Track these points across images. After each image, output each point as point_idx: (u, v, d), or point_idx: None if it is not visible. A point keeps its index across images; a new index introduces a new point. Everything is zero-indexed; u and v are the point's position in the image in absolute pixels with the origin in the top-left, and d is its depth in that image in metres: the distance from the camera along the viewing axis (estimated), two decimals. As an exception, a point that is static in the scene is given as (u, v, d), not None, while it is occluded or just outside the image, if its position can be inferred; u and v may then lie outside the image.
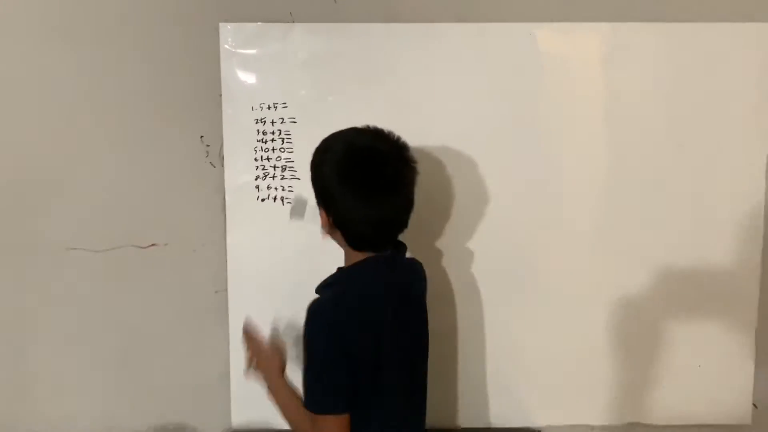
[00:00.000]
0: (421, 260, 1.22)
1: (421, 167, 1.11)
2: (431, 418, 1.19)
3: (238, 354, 1.42)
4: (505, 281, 1.44)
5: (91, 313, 1.47)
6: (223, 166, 1.42)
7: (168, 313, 1.47)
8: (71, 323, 1.47)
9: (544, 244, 1.44)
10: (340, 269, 1.12)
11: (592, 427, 1.50)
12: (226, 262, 1.44)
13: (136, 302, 1.47)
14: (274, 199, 1.42)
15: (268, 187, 1.41)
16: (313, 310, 1.05)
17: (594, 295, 1.45)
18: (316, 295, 1.09)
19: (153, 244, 1.45)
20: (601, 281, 1.45)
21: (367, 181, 1.03)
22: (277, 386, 1.13)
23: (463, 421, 1.48)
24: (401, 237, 1.13)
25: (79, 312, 1.47)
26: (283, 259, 1.42)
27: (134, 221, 1.45)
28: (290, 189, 1.40)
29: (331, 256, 1.12)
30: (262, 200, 1.42)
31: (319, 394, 1.04)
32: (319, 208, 1.08)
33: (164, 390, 1.49)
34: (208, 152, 1.43)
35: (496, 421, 1.47)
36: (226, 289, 1.45)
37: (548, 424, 1.48)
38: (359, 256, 1.08)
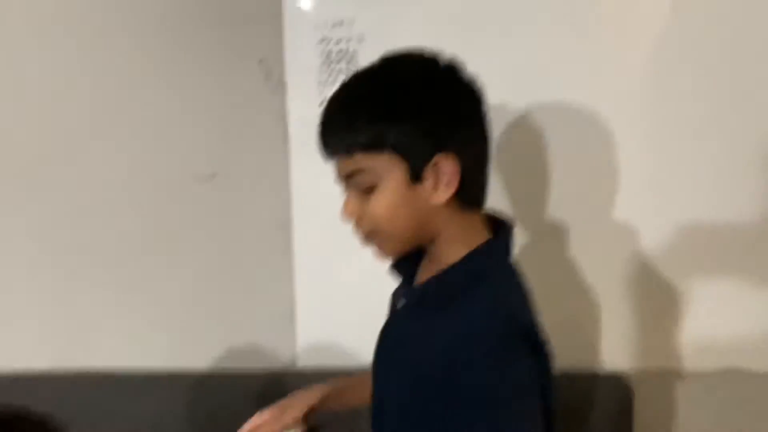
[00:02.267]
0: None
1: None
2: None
3: (304, 292, 1.39)
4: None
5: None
6: (284, 92, 1.31)
7: (226, 252, 1.38)
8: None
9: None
10: (465, 263, 0.76)
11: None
12: (290, 196, 1.35)
13: (193, 237, 1.36)
14: (341, 128, 1.30)
15: (334, 116, 1.30)
16: (474, 331, 0.71)
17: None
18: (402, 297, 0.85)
19: (214, 174, 1.34)
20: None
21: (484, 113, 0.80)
22: None
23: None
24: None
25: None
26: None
27: (190, 151, 1.34)
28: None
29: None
30: (328, 129, 1.30)
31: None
32: (434, 164, 0.74)
33: (225, 331, 1.40)
34: (268, 77, 1.32)
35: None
36: (289, 225, 1.37)
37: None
38: (472, 224, 0.79)
